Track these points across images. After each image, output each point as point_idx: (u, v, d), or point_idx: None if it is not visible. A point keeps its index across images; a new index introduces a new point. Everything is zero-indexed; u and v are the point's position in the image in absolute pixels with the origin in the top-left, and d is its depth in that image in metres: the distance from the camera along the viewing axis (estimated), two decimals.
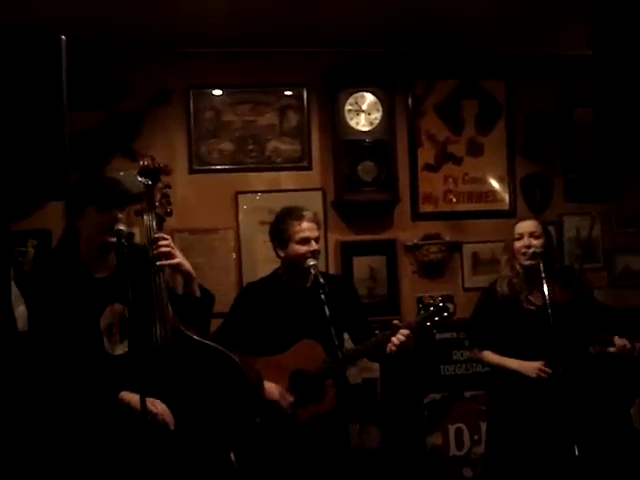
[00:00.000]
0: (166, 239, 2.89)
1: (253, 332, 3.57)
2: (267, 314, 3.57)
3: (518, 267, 3.76)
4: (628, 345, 3.52)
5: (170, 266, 2.89)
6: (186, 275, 2.95)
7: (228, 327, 3.60)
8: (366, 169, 4.88)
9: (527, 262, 3.70)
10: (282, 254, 3.58)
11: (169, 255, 2.86)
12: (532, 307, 3.74)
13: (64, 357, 2.73)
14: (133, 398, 2.66)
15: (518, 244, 3.75)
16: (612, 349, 3.56)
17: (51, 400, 2.80)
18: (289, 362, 3.50)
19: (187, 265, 2.94)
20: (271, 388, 3.39)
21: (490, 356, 3.85)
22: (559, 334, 3.44)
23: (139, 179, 2.97)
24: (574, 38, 3.90)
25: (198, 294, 2.99)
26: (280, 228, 3.58)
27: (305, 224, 3.52)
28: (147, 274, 2.84)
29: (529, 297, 3.76)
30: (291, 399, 3.45)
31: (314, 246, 3.50)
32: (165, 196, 3.01)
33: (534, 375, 3.60)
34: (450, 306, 3.58)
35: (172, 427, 2.70)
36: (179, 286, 3.07)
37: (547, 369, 3.57)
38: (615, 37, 3.31)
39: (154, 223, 2.93)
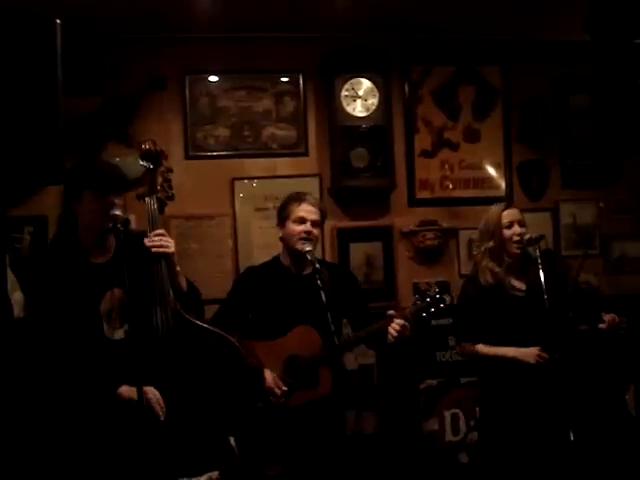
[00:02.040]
0: (158, 232, 2.89)
1: (251, 316, 3.59)
2: (265, 299, 3.60)
3: (506, 255, 3.73)
4: (617, 319, 3.55)
5: (164, 255, 2.88)
6: (172, 268, 2.93)
7: (226, 309, 3.64)
8: (362, 155, 4.87)
9: (519, 250, 3.68)
10: (280, 233, 3.65)
11: (161, 247, 2.86)
12: (518, 293, 3.71)
13: (63, 342, 2.73)
14: (132, 392, 2.67)
15: (509, 232, 3.69)
16: (602, 325, 3.56)
17: (49, 385, 2.80)
18: (284, 347, 3.51)
19: (174, 259, 2.93)
20: (265, 375, 3.40)
21: (484, 349, 3.73)
22: (552, 318, 3.43)
23: (141, 163, 2.96)
24: (570, 24, 3.90)
25: (185, 288, 2.99)
26: (281, 208, 3.68)
27: (304, 205, 3.58)
28: (147, 259, 2.84)
29: (513, 284, 3.73)
30: (284, 388, 3.46)
31: (309, 227, 3.53)
32: (167, 180, 3.02)
33: (533, 361, 3.55)
34: (447, 298, 3.56)
35: (162, 417, 2.70)
36: None
37: (544, 354, 3.56)
38: (610, 20, 3.31)
39: (155, 207, 2.94)
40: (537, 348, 3.57)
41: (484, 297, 3.72)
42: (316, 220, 3.60)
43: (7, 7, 2.01)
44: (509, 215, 3.74)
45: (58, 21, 2.06)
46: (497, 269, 3.70)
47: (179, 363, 2.76)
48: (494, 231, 3.73)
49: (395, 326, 3.42)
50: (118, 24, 4.51)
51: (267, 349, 3.44)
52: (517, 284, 3.72)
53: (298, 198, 3.63)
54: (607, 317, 3.57)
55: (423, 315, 3.52)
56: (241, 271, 4.31)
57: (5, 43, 1.96)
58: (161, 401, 2.72)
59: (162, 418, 2.70)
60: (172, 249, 2.89)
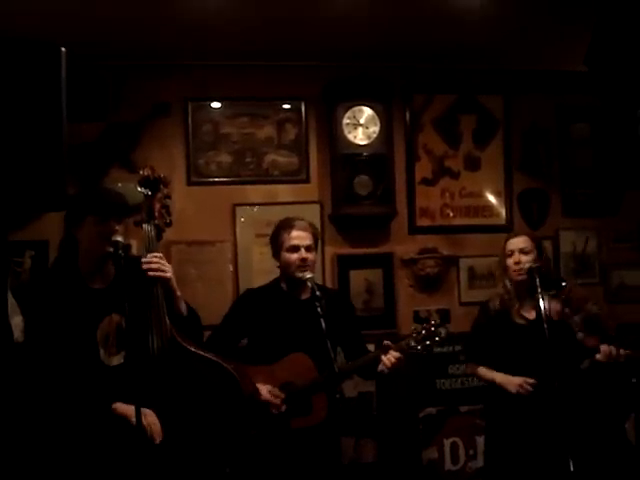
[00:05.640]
0: (156, 255, 2.88)
1: (247, 338, 3.61)
2: (262, 322, 3.59)
3: (508, 283, 3.79)
4: (614, 352, 3.54)
5: (161, 279, 2.87)
6: (172, 292, 2.92)
7: (223, 330, 3.63)
8: (364, 183, 4.89)
9: (519, 278, 3.73)
10: (277, 264, 3.65)
11: (158, 270, 2.85)
12: (523, 322, 3.76)
13: (59, 367, 2.72)
14: (128, 410, 2.66)
15: (509, 260, 3.78)
16: (598, 356, 3.57)
17: (45, 410, 2.79)
18: (279, 374, 3.49)
19: (174, 284, 2.92)
20: (260, 388, 3.38)
21: (482, 372, 3.88)
22: (553, 349, 3.44)
23: (139, 189, 2.96)
24: (571, 54, 3.93)
25: (185, 312, 2.98)
26: (273, 238, 3.67)
27: (294, 233, 3.57)
28: (144, 285, 2.84)
29: (521, 312, 3.77)
30: (282, 396, 3.44)
31: (303, 254, 3.53)
32: (164, 206, 3.01)
33: (514, 390, 3.61)
34: (442, 331, 3.56)
35: (157, 440, 2.68)
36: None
37: (528, 386, 3.58)
38: (611, 54, 3.34)
39: (153, 234, 2.93)
40: (522, 378, 3.62)
41: (491, 322, 3.84)
42: (309, 245, 3.58)
43: (13, 34, 2.03)
44: (511, 244, 3.83)
45: (63, 49, 2.08)
46: (506, 296, 3.79)
47: (173, 390, 2.75)
48: (500, 260, 3.88)
49: (390, 358, 3.41)
50: (122, 51, 4.56)
51: (261, 374, 3.42)
52: (526, 313, 3.77)
53: (288, 225, 3.61)
54: (604, 348, 3.56)
55: (418, 348, 3.52)
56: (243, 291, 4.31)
57: (11, 70, 1.98)
58: (158, 425, 2.70)
59: (157, 441, 2.68)
60: (169, 274, 2.87)
